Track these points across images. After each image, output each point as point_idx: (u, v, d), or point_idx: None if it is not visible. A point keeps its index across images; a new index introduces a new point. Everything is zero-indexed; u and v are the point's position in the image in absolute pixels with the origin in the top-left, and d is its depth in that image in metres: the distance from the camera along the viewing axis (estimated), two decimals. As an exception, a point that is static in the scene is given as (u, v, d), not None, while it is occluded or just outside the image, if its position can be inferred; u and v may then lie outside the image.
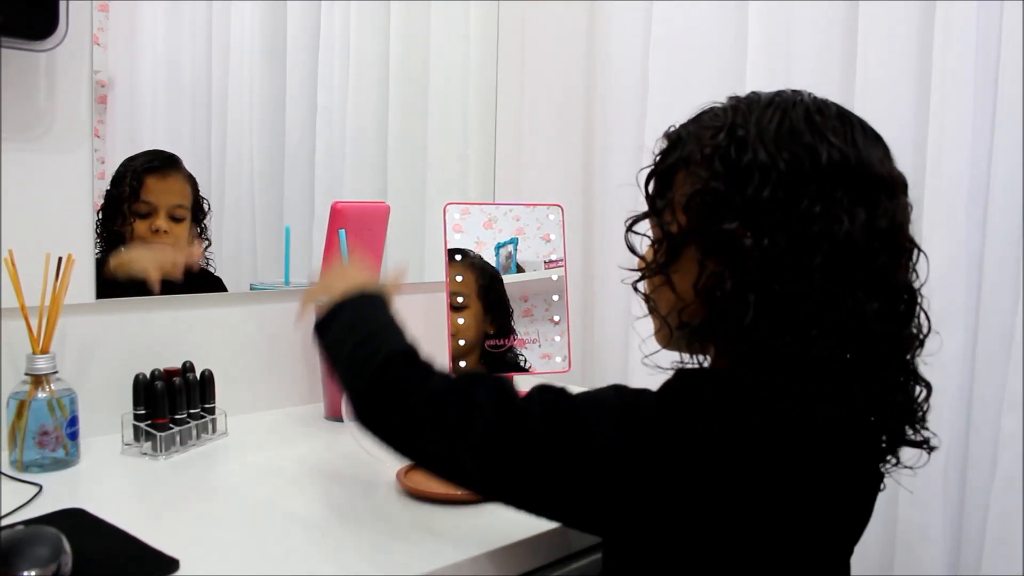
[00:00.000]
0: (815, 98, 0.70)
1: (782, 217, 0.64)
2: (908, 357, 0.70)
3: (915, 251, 0.70)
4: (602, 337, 1.68)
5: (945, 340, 1.20)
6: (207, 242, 1.25)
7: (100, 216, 1.13)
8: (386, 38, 1.47)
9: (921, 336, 0.71)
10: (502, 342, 1.33)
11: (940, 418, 1.18)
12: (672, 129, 0.75)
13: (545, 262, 1.38)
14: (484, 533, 0.81)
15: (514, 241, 1.37)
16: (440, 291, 1.33)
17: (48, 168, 1.06)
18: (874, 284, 0.65)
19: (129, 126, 1.18)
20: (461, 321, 1.31)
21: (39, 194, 1.05)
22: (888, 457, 0.73)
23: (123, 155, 1.16)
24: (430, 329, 1.45)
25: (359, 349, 0.76)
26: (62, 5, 0.98)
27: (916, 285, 0.70)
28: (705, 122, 0.71)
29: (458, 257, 1.33)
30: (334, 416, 1.21)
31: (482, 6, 1.57)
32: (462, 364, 1.30)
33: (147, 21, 1.20)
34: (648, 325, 0.78)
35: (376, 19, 1.46)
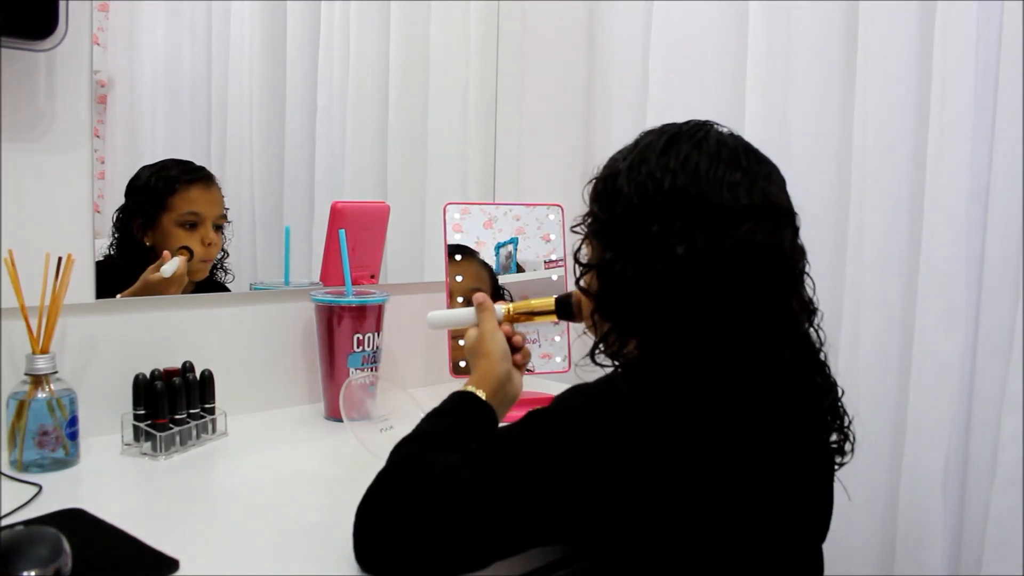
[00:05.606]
0: (701, 125, 0.79)
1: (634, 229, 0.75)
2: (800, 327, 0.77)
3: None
4: (602, 337, 1.67)
5: (945, 340, 1.20)
6: (224, 252, 1.26)
7: (119, 225, 1.14)
8: (386, 38, 1.47)
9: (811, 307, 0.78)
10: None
11: (940, 418, 1.20)
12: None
13: (545, 262, 1.38)
14: (484, 533, 0.81)
15: (514, 241, 1.37)
16: (440, 291, 1.33)
17: (48, 168, 1.06)
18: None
19: (129, 126, 1.18)
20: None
21: (39, 194, 1.05)
22: (835, 430, 0.79)
23: (123, 155, 1.16)
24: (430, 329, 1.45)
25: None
26: (62, 5, 0.98)
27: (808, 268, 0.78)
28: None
29: (458, 256, 1.33)
30: (334, 416, 1.21)
31: (482, 6, 1.57)
32: (462, 364, 1.30)
33: (147, 21, 1.20)
34: None
35: (376, 19, 1.46)
